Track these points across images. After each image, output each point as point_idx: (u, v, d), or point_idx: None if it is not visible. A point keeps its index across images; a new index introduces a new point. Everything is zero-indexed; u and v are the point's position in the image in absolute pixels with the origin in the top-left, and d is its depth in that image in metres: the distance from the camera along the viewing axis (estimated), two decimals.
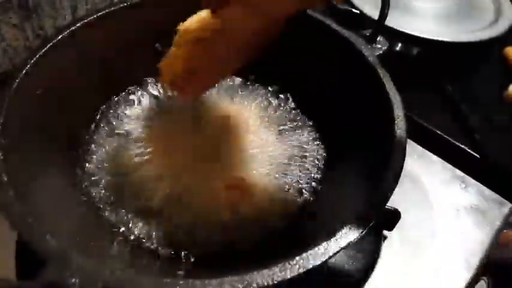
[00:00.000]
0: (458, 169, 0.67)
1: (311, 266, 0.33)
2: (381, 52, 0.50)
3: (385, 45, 0.51)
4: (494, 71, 0.90)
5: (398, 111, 0.44)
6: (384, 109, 0.45)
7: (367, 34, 0.52)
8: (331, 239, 0.35)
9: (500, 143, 0.75)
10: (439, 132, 0.75)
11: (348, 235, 0.35)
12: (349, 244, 0.35)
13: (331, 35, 0.54)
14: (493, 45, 0.89)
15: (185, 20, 0.45)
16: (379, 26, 0.51)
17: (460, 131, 0.76)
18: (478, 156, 0.72)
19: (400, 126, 0.43)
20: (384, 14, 0.51)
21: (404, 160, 0.41)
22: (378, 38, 0.52)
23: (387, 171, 0.39)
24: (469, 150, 0.73)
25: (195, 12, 0.45)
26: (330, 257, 0.34)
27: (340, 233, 0.35)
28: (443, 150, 0.71)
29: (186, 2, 0.51)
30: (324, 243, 0.34)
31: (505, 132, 0.78)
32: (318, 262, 0.34)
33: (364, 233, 0.35)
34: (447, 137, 0.75)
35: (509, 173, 0.70)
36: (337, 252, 0.34)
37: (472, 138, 0.74)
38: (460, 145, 0.73)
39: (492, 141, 0.75)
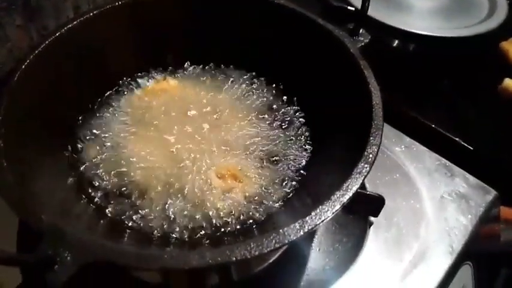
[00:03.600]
0: (450, 161, 0.68)
1: (286, 241, 0.36)
2: (362, 44, 0.53)
3: (367, 38, 0.54)
4: (490, 64, 0.92)
5: (376, 99, 0.46)
6: (363, 96, 0.47)
7: (351, 27, 0.55)
8: (306, 217, 0.37)
9: (494, 136, 0.77)
10: (433, 125, 0.77)
11: (321, 214, 0.37)
12: (322, 221, 0.37)
13: (317, 29, 0.56)
14: (488, 39, 0.90)
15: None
16: (360, 20, 0.54)
17: (453, 124, 0.77)
18: (471, 148, 0.74)
19: (378, 113, 0.45)
20: (364, 8, 0.53)
21: (379, 145, 0.43)
22: (360, 31, 0.54)
23: (362, 155, 0.42)
24: (463, 143, 0.75)
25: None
26: (305, 233, 0.36)
27: (314, 212, 0.37)
28: (435, 142, 0.73)
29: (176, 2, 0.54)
30: (299, 221, 0.37)
31: (499, 125, 0.79)
32: (294, 238, 0.36)
33: (336, 212, 0.38)
34: (441, 130, 0.77)
35: (502, 164, 0.72)
36: (312, 229, 0.37)
37: (466, 131, 0.76)
38: (454, 138, 0.75)
39: (486, 134, 0.77)
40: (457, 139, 0.75)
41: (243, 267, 0.52)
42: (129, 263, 0.34)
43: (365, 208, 0.57)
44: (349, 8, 0.92)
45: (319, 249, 0.55)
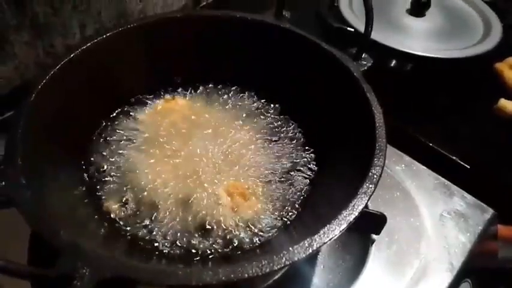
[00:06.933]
0: (448, 179, 0.70)
1: (296, 259, 0.37)
2: (365, 68, 0.55)
3: (370, 62, 0.56)
4: (485, 85, 0.94)
5: (379, 121, 0.48)
6: (366, 119, 0.49)
7: (354, 52, 0.57)
8: (315, 236, 0.39)
9: (490, 154, 0.79)
10: (430, 144, 0.79)
11: (329, 232, 0.39)
12: (330, 240, 0.38)
13: (322, 52, 0.59)
14: (484, 60, 0.92)
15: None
16: (363, 45, 0.56)
17: (450, 143, 0.79)
18: (468, 167, 0.76)
19: (381, 135, 0.47)
20: (367, 31, 0.55)
21: (383, 165, 0.44)
22: (363, 55, 0.56)
23: (367, 176, 0.43)
24: (459, 162, 0.76)
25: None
26: (313, 251, 0.38)
27: (322, 230, 0.39)
28: (433, 160, 0.74)
29: (181, 25, 0.59)
30: (308, 239, 0.38)
31: (495, 144, 0.81)
32: (303, 255, 0.38)
33: (343, 230, 0.39)
34: (438, 149, 0.78)
35: (498, 183, 0.74)
36: (320, 247, 0.38)
37: (463, 150, 0.78)
38: (451, 156, 0.77)
39: (482, 153, 0.79)
40: (454, 158, 0.77)
41: (251, 284, 0.53)
42: (146, 279, 0.35)
43: (367, 226, 0.58)
44: (349, 29, 0.95)
45: (323, 267, 0.57)
